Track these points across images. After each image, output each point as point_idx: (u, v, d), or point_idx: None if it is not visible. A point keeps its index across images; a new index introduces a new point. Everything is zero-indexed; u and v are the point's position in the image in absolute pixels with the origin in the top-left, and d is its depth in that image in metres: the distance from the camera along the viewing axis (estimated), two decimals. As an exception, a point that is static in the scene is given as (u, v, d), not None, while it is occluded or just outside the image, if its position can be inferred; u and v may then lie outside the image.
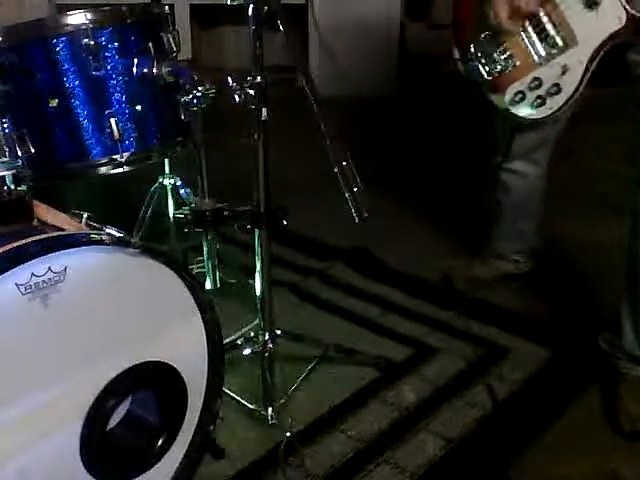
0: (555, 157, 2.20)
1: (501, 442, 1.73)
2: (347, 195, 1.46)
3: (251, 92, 1.57)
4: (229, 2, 1.59)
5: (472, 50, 1.88)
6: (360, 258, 2.58)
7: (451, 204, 2.93)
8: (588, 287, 2.31)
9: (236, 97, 1.58)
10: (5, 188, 1.44)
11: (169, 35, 1.72)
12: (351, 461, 1.68)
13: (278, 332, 1.84)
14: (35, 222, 1.45)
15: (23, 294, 1.21)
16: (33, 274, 1.22)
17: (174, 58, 1.73)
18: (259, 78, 1.57)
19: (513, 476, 1.64)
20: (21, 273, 1.21)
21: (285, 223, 1.67)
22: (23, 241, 1.27)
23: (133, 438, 1.49)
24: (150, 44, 1.66)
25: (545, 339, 2.09)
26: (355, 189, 1.46)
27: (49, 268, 1.24)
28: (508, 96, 1.90)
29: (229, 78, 1.57)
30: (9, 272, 1.19)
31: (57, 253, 1.25)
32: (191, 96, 1.64)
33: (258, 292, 1.78)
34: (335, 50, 4.30)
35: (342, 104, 2.49)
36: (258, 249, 1.74)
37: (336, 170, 1.47)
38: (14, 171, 1.46)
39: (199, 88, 1.64)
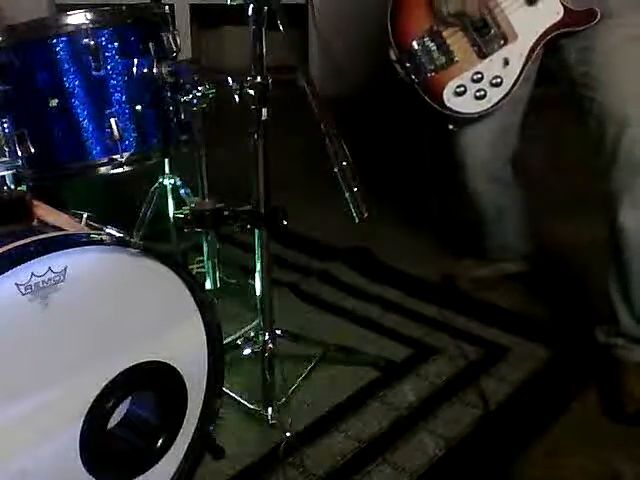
0: (554, 156, 2.21)
1: (501, 442, 1.73)
2: (347, 195, 1.46)
3: (251, 92, 1.57)
4: (229, 2, 1.59)
5: (414, 47, 1.90)
6: (360, 258, 2.58)
7: (452, 204, 2.92)
8: (587, 287, 2.31)
9: (236, 97, 1.58)
10: (5, 188, 1.44)
11: (169, 35, 1.72)
12: (351, 461, 1.68)
13: (278, 332, 1.84)
14: (35, 222, 1.45)
15: (23, 294, 1.21)
16: (33, 274, 1.22)
17: (174, 58, 1.73)
18: (259, 78, 1.57)
19: (512, 476, 1.64)
20: (21, 273, 1.21)
21: (285, 223, 1.67)
22: (23, 241, 1.27)
23: (133, 438, 1.49)
24: (150, 44, 1.66)
25: (544, 339, 2.09)
26: (355, 189, 1.46)
27: (49, 268, 1.24)
28: (448, 91, 1.92)
29: (229, 78, 1.57)
30: (9, 272, 1.19)
31: (57, 253, 1.25)
32: (191, 96, 1.64)
33: (258, 292, 1.78)
34: (335, 50, 4.30)
35: (342, 104, 2.49)
36: (258, 249, 1.74)
37: (336, 170, 1.47)
38: (14, 171, 1.46)
39: (199, 88, 1.64)
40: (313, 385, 1.92)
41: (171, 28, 1.75)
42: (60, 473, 1.34)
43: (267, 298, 1.78)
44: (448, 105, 1.94)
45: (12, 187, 1.47)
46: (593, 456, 1.67)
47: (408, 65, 1.91)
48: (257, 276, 1.77)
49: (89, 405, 1.35)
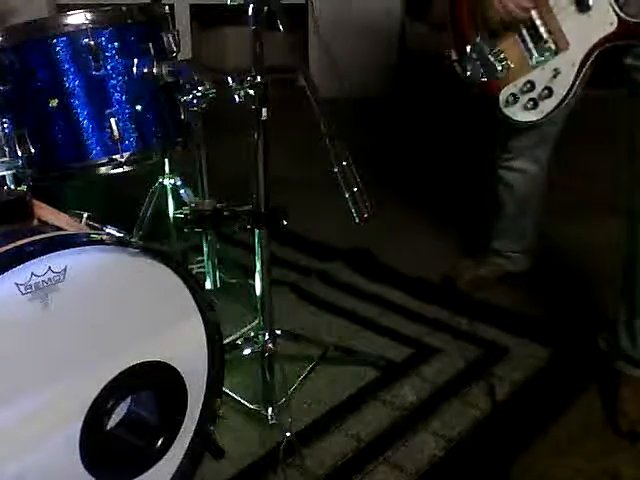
0: (555, 156, 2.21)
1: (501, 442, 1.73)
2: (347, 195, 1.46)
3: (251, 92, 1.57)
4: (229, 2, 1.59)
5: (468, 52, 1.90)
6: (360, 258, 2.58)
7: (452, 204, 2.93)
8: (587, 287, 2.31)
9: (236, 97, 1.58)
10: (5, 188, 1.44)
11: (169, 35, 1.72)
12: (351, 461, 1.68)
13: (278, 332, 1.84)
14: (35, 222, 1.45)
15: (23, 294, 1.21)
16: (33, 274, 1.22)
17: (174, 58, 1.73)
18: (259, 78, 1.57)
19: (513, 476, 1.64)
20: (21, 273, 1.21)
21: (285, 223, 1.67)
22: (23, 241, 1.27)
23: (133, 438, 1.49)
24: (150, 44, 1.66)
25: (545, 339, 2.09)
26: (355, 189, 1.46)
27: (49, 268, 1.24)
28: (502, 98, 1.93)
29: (229, 78, 1.57)
30: (9, 272, 1.19)
31: (57, 253, 1.25)
32: (191, 96, 1.64)
33: (258, 292, 1.78)
34: (335, 50, 4.30)
35: (342, 104, 2.49)
36: (258, 249, 1.73)
37: (336, 170, 1.47)
38: (14, 171, 1.47)
39: (199, 88, 1.64)
40: (313, 385, 1.92)
41: (171, 28, 1.75)
42: (60, 473, 1.34)
43: (267, 298, 1.78)
44: (503, 111, 1.95)
45: (12, 187, 1.47)
46: (593, 456, 1.67)
47: (465, 67, 1.92)
48: (257, 276, 1.77)
49: (89, 405, 1.35)
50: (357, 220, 1.47)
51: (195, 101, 1.64)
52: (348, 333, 2.16)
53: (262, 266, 1.75)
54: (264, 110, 1.59)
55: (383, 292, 2.38)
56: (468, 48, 1.91)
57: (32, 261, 1.22)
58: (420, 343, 2.11)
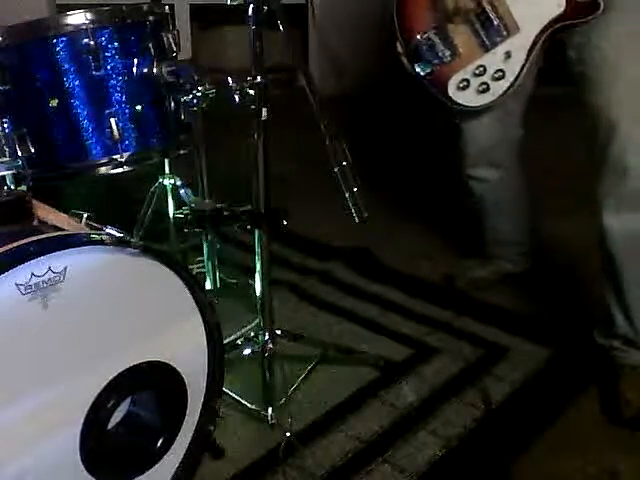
0: (555, 153, 2.21)
1: (501, 442, 1.73)
2: (347, 195, 1.46)
3: (251, 92, 1.57)
4: (229, 2, 1.59)
5: (418, 41, 1.90)
6: (360, 258, 2.58)
7: (451, 204, 2.92)
8: (587, 287, 2.31)
9: (236, 97, 1.58)
10: (5, 188, 1.44)
11: (169, 35, 1.72)
12: (351, 461, 1.68)
13: (278, 332, 1.84)
14: (35, 222, 1.45)
15: (23, 294, 1.21)
16: (33, 274, 1.22)
17: (174, 58, 1.73)
18: (259, 78, 1.57)
19: (513, 476, 1.64)
20: (21, 273, 1.21)
21: (285, 223, 1.67)
22: (23, 241, 1.27)
23: (133, 438, 1.49)
24: (150, 44, 1.66)
25: (544, 339, 2.09)
26: (355, 189, 1.46)
27: (49, 268, 1.24)
28: (452, 84, 1.93)
29: (229, 78, 1.57)
30: (9, 272, 1.19)
31: (57, 253, 1.25)
32: (191, 96, 1.64)
33: (258, 292, 1.78)
34: (335, 49, 4.30)
35: (342, 104, 2.49)
36: (258, 249, 1.73)
37: (336, 170, 1.47)
38: (14, 171, 1.46)
39: (199, 88, 1.64)
40: (313, 385, 1.92)
41: (171, 28, 1.75)
42: (60, 473, 1.34)
43: (267, 298, 1.78)
44: (453, 98, 1.95)
45: (12, 187, 1.47)
46: (592, 456, 1.67)
47: (414, 59, 1.92)
48: (257, 276, 1.77)
49: (89, 405, 1.35)
50: (357, 220, 1.47)
51: (195, 101, 1.64)
52: (348, 333, 2.16)
53: (262, 266, 1.75)
54: (264, 110, 1.59)
55: (383, 292, 2.38)
56: (418, 37, 1.90)
57: (32, 261, 1.22)
58: (420, 343, 2.11)
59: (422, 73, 1.93)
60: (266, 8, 1.54)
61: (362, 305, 2.31)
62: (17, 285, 1.21)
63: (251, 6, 1.54)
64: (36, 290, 1.23)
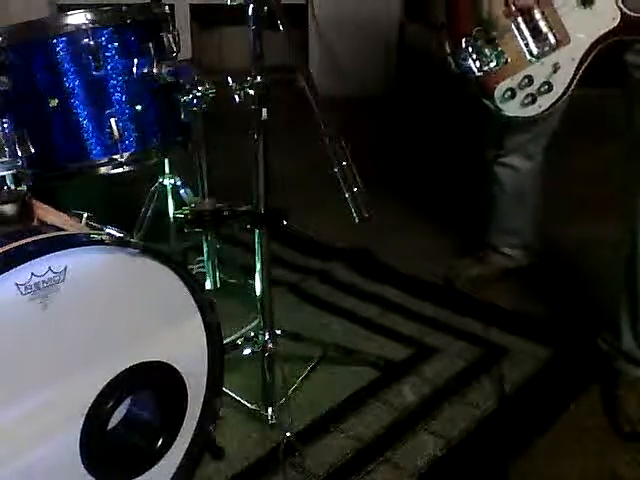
0: (552, 154, 2.21)
1: (501, 442, 1.73)
2: (347, 195, 1.46)
3: (251, 92, 1.57)
4: (229, 2, 1.59)
5: (464, 45, 1.87)
6: (360, 258, 2.58)
7: (451, 203, 2.93)
8: (588, 287, 2.31)
9: (236, 97, 1.58)
10: (5, 188, 1.44)
11: (169, 35, 1.72)
12: (351, 461, 1.68)
13: (278, 332, 1.84)
14: (35, 222, 1.45)
15: (23, 294, 1.21)
16: (33, 274, 1.22)
17: (174, 58, 1.73)
18: (259, 78, 1.57)
19: (513, 476, 1.64)
20: (21, 273, 1.21)
21: (285, 223, 1.67)
22: (23, 241, 1.27)
23: (133, 438, 1.49)
24: (150, 44, 1.66)
25: (545, 338, 2.09)
26: (355, 189, 1.45)
27: (49, 268, 1.24)
28: (498, 93, 1.89)
29: (229, 78, 1.57)
30: (9, 272, 1.19)
31: (57, 253, 1.25)
32: (191, 96, 1.64)
33: (258, 292, 1.78)
34: (335, 49, 4.31)
35: (342, 104, 2.49)
36: (258, 249, 1.73)
37: (336, 170, 1.46)
38: (14, 171, 1.46)
39: (199, 88, 1.64)
40: (313, 385, 1.92)
41: (171, 28, 1.75)
42: (60, 473, 1.34)
43: (267, 298, 1.78)
44: (499, 106, 1.91)
45: (12, 187, 1.47)
46: (593, 456, 1.67)
47: (460, 61, 1.88)
48: (257, 276, 1.77)
49: (89, 405, 1.35)
50: (357, 220, 1.47)
51: (195, 101, 1.64)
52: (348, 333, 2.16)
53: (262, 266, 1.75)
54: (264, 110, 1.59)
55: (383, 292, 2.38)
56: (463, 41, 1.87)
57: (32, 261, 1.22)
58: (420, 343, 2.11)
59: (468, 76, 1.89)
60: (266, 8, 1.54)
61: (362, 305, 2.31)
62: (17, 285, 1.21)
63: (251, 6, 1.54)
64: (36, 290, 1.23)
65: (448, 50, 1.92)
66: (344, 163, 1.46)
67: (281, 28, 1.53)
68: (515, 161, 2.19)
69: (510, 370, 1.97)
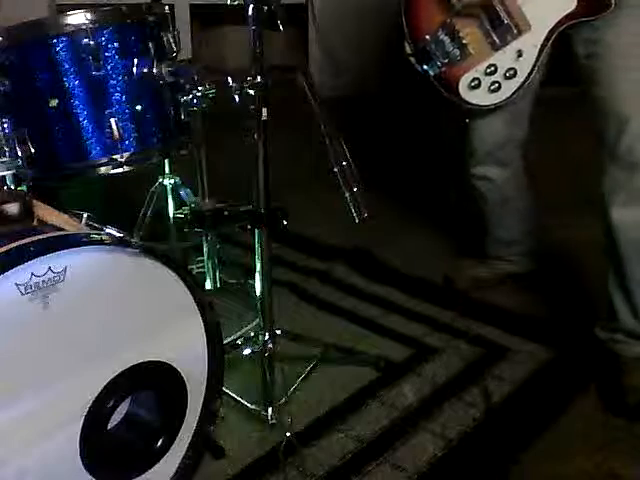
0: (556, 155, 2.21)
1: (501, 442, 1.73)
2: (347, 195, 1.46)
3: (251, 92, 1.57)
4: (229, 2, 1.59)
5: (428, 41, 1.89)
6: (360, 258, 2.58)
7: (452, 204, 2.93)
8: (588, 286, 2.31)
9: (236, 97, 1.58)
10: (5, 188, 1.44)
11: (169, 35, 1.72)
12: (351, 461, 1.68)
13: (278, 332, 1.84)
14: (35, 222, 1.45)
15: (23, 294, 1.21)
16: (33, 274, 1.22)
17: (174, 58, 1.73)
18: (259, 78, 1.57)
19: (513, 476, 1.64)
20: (21, 273, 1.21)
21: (285, 223, 1.67)
22: (23, 241, 1.27)
23: (133, 438, 1.49)
24: (150, 44, 1.66)
25: (545, 339, 2.09)
26: (355, 189, 1.46)
27: (49, 268, 1.24)
28: (463, 84, 1.92)
29: (229, 78, 1.57)
30: (9, 272, 1.19)
31: (57, 253, 1.25)
32: (191, 96, 1.64)
33: (258, 292, 1.78)
34: (335, 49, 4.30)
35: (342, 104, 2.49)
36: (258, 249, 1.73)
37: (336, 170, 1.47)
38: (14, 171, 1.46)
39: (199, 88, 1.64)
40: (313, 385, 1.92)
41: (171, 28, 1.75)
42: (60, 473, 1.34)
43: (267, 298, 1.78)
44: (464, 98, 1.94)
45: (12, 187, 1.47)
46: (592, 457, 1.67)
47: (423, 59, 1.91)
48: (257, 276, 1.77)
49: (89, 405, 1.35)
50: (357, 220, 1.47)
51: (195, 101, 1.64)
52: (348, 333, 2.16)
53: (262, 266, 1.75)
54: (264, 110, 1.59)
55: (383, 292, 2.38)
56: (427, 37, 1.90)
57: (32, 261, 1.22)
58: (420, 343, 2.11)
59: (432, 73, 1.92)
60: (266, 8, 1.54)
61: (362, 305, 2.31)
62: (17, 285, 1.21)
63: (251, 6, 1.54)
64: (36, 290, 1.23)
65: (409, 51, 1.95)
66: (344, 163, 1.46)
67: (281, 28, 1.53)
68: (488, 172, 2.17)
69: (510, 370, 1.97)
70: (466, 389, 1.90)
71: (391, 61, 4.59)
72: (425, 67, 1.93)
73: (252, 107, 1.59)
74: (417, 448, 1.71)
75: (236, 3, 1.58)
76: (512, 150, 2.15)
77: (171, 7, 1.85)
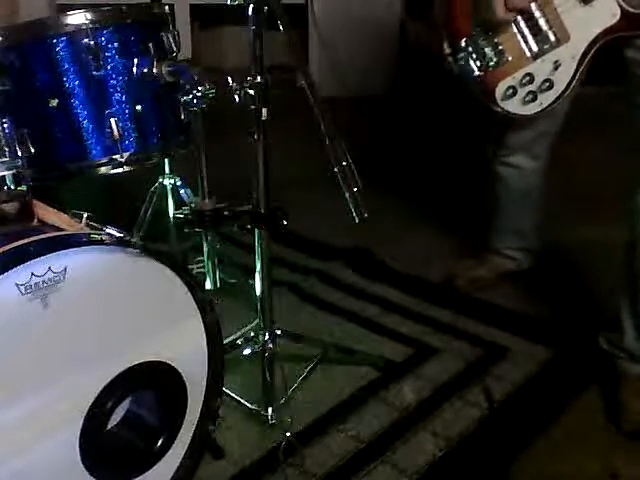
0: (557, 154, 2.20)
1: (501, 442, 1.73)
2: (347, 195, 1.46)
3: (251, 92, 1.57)
4: (229, 2, 1.59)
5: (463, 45, 1.87)
6: (360, 258, 2.58)
7: (452, 204, 2.93)
8: (588, 286, 2.31)
9: (236, 97, 1.58)
10: (5, 188, 1.44)
11: (169, 35, 1.72)
12: (351, 461, 1.68)
13: (278, 332, 1.84)
14: (35, 222, 1.45)
15: (23, 294, 1.21)
16: (33, 274, 1.22)
17: (174, 58, 1.73)
18: (259, 78, 1.57)
19: (513, 476, 1.64)
20: (21, 273, 1.21)
21: (285, 223, 1.67)
22: (23, 241, 1.27)
23: (133, 438, 1.49)
24: (150, 44, 1.66)
25: (545, 339, 2.09)
26: (355, 189, 1.45)
27: (49, 268, 1.24)
28: (499, 91, 1.89)
29: (229, 78, 1.57)
30: (9, 272, 1.19)
31: (57, 253, 1.25)
32: (191, 96, 1.64)
33: (258, 292, 1.78)
34: (335, 50, 4.30)
35: (342, 104, 2.49)
36: (258, 249, 1.74)
37: (336, 170, 1.46)
38: (14, 171, 1.46)
39: (199, 88, 1.64)
40: (313, 385, 1.92)
41: (171, 28, 1.75)
42: (60, 473, 1.34)
43: (267, 298, 1.78)
44: (500, 105, 1.91)
45: (12, 187, 1.47)
46: (593, 456, 1.67)
47: (460, 61, 1.89)
48: (257, 276, 1.77)
49: (89, 405, 1.35)
50: (357, 220, 1.46)
51: (195, 101, 1.64)
52: (348, 333, 2.16)
53: (262, 266, 1.75)
54: (264, 110, 1.59)
55: (383, 292, 2.38)
56: (463, 41, 1.87)
57: (32, 261, 1.22)
58: (420, 343, 2.11)
59: (468, 76, 1.89)
60: (266, 8, 1.54)
61: (362, 305, 2.31)
62: (17, 285, 1.21)
63: (251, 6, 1.55)
64: (36, 290, 1.23)
65: (447, 51, 1.92)
66: (344, 163, 1.46)
67: (281, 28, 1.53)
68: (520, 161, 2.18)
69: (510, 370, 1.97)
70: (466, 389, 1.90)
71: (391, 61, 4.60)
72: (461, 69, 1.89)
73: (252, 107, 1.59)
74: (417, 448, 1.71)
75: (236, 3, 1.58)
76: (544, 143, 2.15)
77: (171, 7, 1.85)
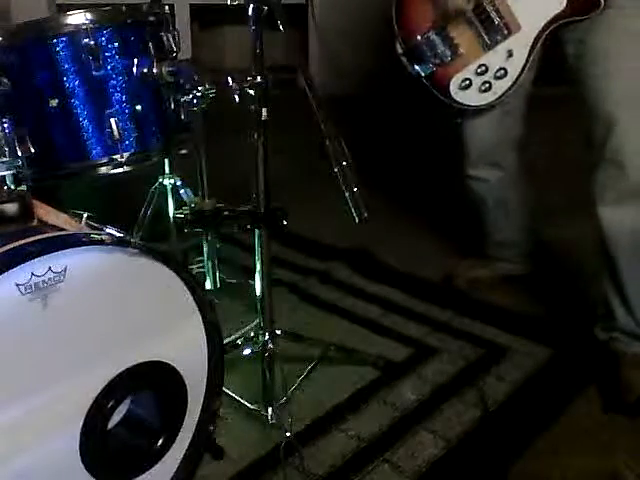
0: (557, 154, 2.21)
1: (501, 442, 1.73)
2: (347, 195, 1.46)
3: (251, 92, 1.57)
4: (229, 2, 1.59)
5: (418, 42, 1.90)
6: (360, 258, 2.58)
7: (452, 204, 2.92)
8: (587, 286, 2.31)
9: (236, 97, 1.58)
10: (5, 188, 1.44)
11: (169, 35, 1.72)
12: (351, 461, 1.68)
13: (278, 332, 1.84)
14: (35, 222, 1.45)
15: (23, 294, 1.21)
16: (33, 274, 1.22)
17: (174, 58, 1.73)
18: (259, 78, 1.57)
19: (512, 476, 1.64)
20: (21, 273, 1.21)
21: (285, 223, 1.67)
22: (23, 241, 1.27)
23: (133, 438, 1.49)
24: (150, 44, 1.66)
25: (544, 339, 2.09)
26: (355, 189, 1.45)
27: (49, 268, 1.24)
28: (454, 84, 1.93)
29: (229, 78, 1.57)
30: (9, 272, 1.19)
31: (57, 253, 1.25)
32: (191, 96, 1.64)
33: (258, 292, 1.78)
34: (335, 49, 4.30)
35: (342, 103, 2.49)
36: (258, 249, 1.74)
37: (336, 170, 1.46)
38: (14, 171, 1.46)
39: (199, 88, 1.64)
40: (313, 385, 1.92)
41: (171, 28, 1.75)
42: (60, 473, 1.34)
43: (267, 298, 1.78)
44: (455, 98, 1.95)
45: (12, 187, 1.47)
46: (593, 456, 1.67)
47: (414, 59, 1.92)
48: (257, 276, 1.77)
49: (89, 405, 1.35)
50: (357, 220, 1.47)
51: (195, 101, 1.64)
52: (348, 333, 2.16)
53: (262, 266, 1.75)
54: (264, 110, 1.60)
55: (383, 292, 2.38)
56: (417, 37, 1.90)
57: (32, 261, 1.22)
58: (420, 343, 2.11)
59: (423, 74, 1.94)
60: (266, 8, 1.54)
61: (362, 305, 2.31)
62: (17, 285, 1.21)
63: (251, 6, 1.55)
64: (36, 290, 1.23)
65: (400, 50, 1.95)
66: (344, 163, 1.46)
67: (281, 28, 1.53)
68: (484, 174, 2.18)
69: (510, 370, 1.97)
70: (466, 389, 1.90)
71: (391, 61, 4.60)
72: (416, 67, 1.93)
73: (252, 107, 1.59)
74: (417, 448, 1.71)
75: (236, 3, 1.58)
76: (506, 151, 2.15)
77: (171, 7, 1.86)
